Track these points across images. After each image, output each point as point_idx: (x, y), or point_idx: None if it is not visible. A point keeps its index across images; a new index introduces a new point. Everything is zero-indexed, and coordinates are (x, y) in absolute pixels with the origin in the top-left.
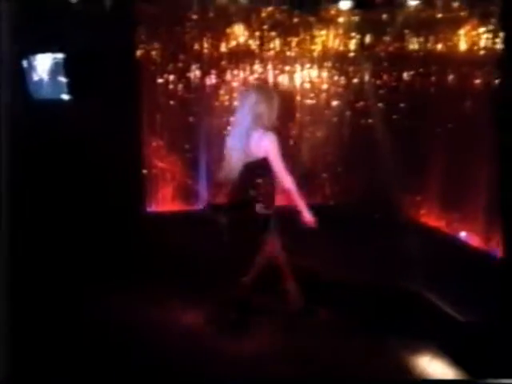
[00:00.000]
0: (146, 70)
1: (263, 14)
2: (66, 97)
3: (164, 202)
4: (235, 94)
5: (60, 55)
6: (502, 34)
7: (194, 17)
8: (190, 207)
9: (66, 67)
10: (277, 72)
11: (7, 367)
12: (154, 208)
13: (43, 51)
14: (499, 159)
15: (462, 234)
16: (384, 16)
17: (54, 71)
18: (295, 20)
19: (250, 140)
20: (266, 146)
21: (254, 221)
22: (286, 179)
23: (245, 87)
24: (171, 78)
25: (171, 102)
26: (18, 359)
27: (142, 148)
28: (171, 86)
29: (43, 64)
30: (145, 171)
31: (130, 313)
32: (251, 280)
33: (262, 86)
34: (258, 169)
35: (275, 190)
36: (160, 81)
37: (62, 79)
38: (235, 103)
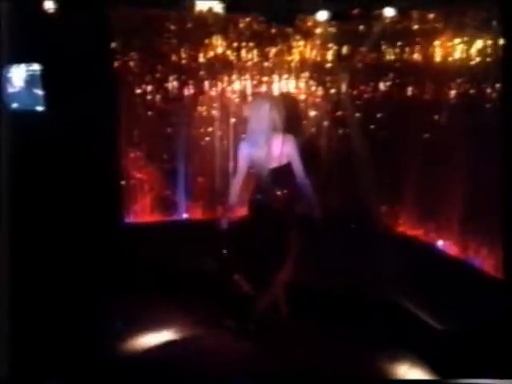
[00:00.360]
0: (123, 80)
1: (241, 25)
2: (42, 108)
3: (142, 212)
4: (214, 104)
5: (36, 66)
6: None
7: (172, 27)
8: (169, 218)
9: (42, 78)
10: (254, 83)
11: (7, 367)
12: (132, 219)
13: (18, 62)
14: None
15: (440, 243)
16: (361, 27)
17: (30, 82)
18: (273, 31)
19: (272, 146)
20: (289, 149)
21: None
22: (306, 182)
23: (256, 96)
24: (149, 88)
25: (149, 113)
26: (18, 359)
27: (120, 159)
28: (149, 97)
29: (19, 75)
30: (123, 182)
31: (109, 326)
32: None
33: (271, 93)
34: (283, 174)
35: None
36: (138, 91)
37: (38, 91)
38: (234, 112)
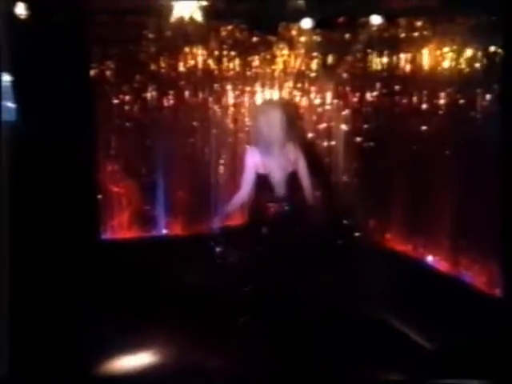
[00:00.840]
0: (100, 90)
1: (222, 33)
2: (15, 120)
3: (120, 228)
4: (195, 115)
5: (6, 77)
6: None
7: (151, 35)
8: (148, 234)
9: (14, 89)
10: (237, 93)
11: (7, 367)
12: (108, 235)
13: None
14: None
15: (429, 259)
16: (346, 35)
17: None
18: (255, 39)
19: (282, 153)
20: (296, 156)
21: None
22: (311, 191)
23: (265, 102)
24: (127, 98)
25: (127, 124)
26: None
27: (96, 172)
28: (127, 107)
29: None
30: (99, 196)
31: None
32: None
33: (277, 101)
34: (291, 182)
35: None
36: (115, 101)
37: (9, 103)
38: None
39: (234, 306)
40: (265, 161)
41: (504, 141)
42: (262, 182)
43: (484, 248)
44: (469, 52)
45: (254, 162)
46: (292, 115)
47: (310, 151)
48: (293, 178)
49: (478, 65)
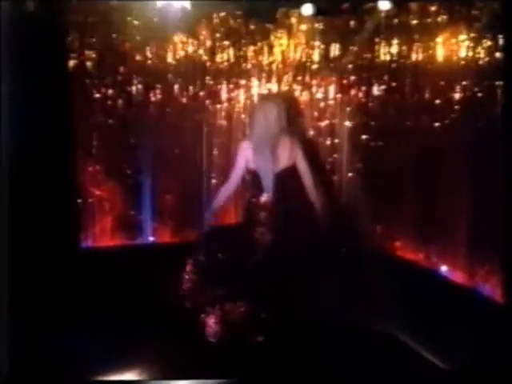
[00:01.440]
0: (79, 83)
1: (215, 21)
2: None
3: (102, 236)
4: (185, 111)
5: None
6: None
7: (136, 22)
8: (133, 241)
9: None
10: (231, 86)
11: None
12: (90, 243)
13: None
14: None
15: (443, 269)
16: (351, 23)
17: None
18: (251, 27)
19: (278, 150)
20: (294, 152)
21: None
22: (313, 190)
23: (263, 98)
24: (110, 92)
25: (110, 121)
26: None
27: (76, 174)
28: (110, 103)
29: None
30: (79, 201)
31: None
32: None
33: (274, 96)
34: (287, 178)
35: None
36: (96, 96)
37: None
38: (249, 116)
39: (225, 320)
40: (256, 156)
41: None
42: (252, 178)
43: (504, 258)
44: (489, 40)
45: (245, 156)
46: (290, 110)
47: (311, 149)
48: (288, 176)
49: (498, 55)
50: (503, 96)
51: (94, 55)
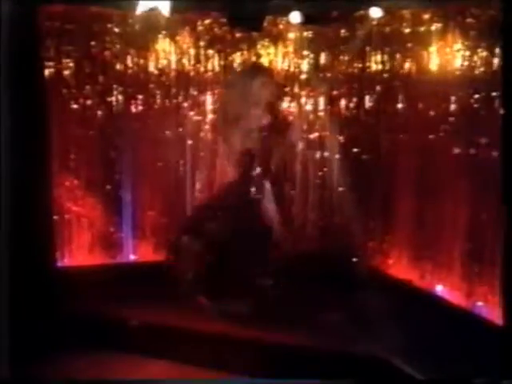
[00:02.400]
0: (56, 93)
1: (199, 28)
2: None
3: (79, 254)
4: (167, 123)
5: None
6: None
7: (116, 30)
8: (113, 260)
9: None
10: (216, 97)
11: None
12: (66, 262)
13: None
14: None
15: (439, 289)
16: (342, 31)
17: None
18: (237, 35)
19: (263, 127)
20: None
21: None
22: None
23: (244, 69)
24: (88, 103)
25: (89, 133)
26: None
27: (51, 188)
28: (88, 113)
29: None
30: (55, 217)
31: None
32: None
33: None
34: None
35: None
36: (74, 107)
37: None
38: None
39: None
40: (245, 138)
41: None
42: (243, 159)
43: (504, 276)
44: (486, 50)
45: (235, 138)
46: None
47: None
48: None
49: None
50: (502, 107)
51: (71, 64)
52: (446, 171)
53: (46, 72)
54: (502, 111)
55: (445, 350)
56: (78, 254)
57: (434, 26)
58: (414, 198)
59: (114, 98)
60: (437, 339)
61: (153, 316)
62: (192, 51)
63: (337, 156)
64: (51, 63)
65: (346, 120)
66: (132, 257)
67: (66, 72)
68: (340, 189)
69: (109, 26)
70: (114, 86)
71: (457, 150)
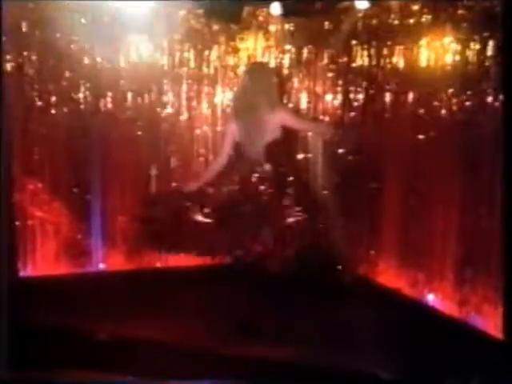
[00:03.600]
0: (16, 89)
1: (174, 20)
2: None
3: (44, 263)
4: (139, 122)
5: None
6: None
7: (83, 21)
8: (80, 269)
9: None
10: (191, 94)
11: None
12: (29, 272)
13: None
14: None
15: (430, 298)
16: (326, 24)
17: None
18: (214, 28)
19: (266, 120)
20: (282, 117)
21: None
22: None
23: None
24: (53, 100)
25: (54, 133)
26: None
27: (12, 192)
28: (53, 111)
29: None
30: (17, 223)
31: None
32: None
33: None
34: (275, 149)
35: None
36: (38, 104)
37: None
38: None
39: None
40: (241, 128)
41: None
42: (238, 150)
43: (498, 284)
44: (479, 43)
45: (231, 128)
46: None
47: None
48: (277, 144)
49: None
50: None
51: (34, 57)
52: (438, 177)
53: (6, 66)
54: (501, 112)
55: (434, 361)
56: (42, 262)
57: (424, 19)
58: (403, 203)
59: (81, 95)
60: (426, 350)
61: (123, 329)
62: (165, 44)
63: (320, 158)
64: (11, 57)
65: (334, 117)
66: (101, 265)
67: (28, 67)
68: (327, 194)
69: (75, 16)
70: (82, 81)
71: (449, 154)
